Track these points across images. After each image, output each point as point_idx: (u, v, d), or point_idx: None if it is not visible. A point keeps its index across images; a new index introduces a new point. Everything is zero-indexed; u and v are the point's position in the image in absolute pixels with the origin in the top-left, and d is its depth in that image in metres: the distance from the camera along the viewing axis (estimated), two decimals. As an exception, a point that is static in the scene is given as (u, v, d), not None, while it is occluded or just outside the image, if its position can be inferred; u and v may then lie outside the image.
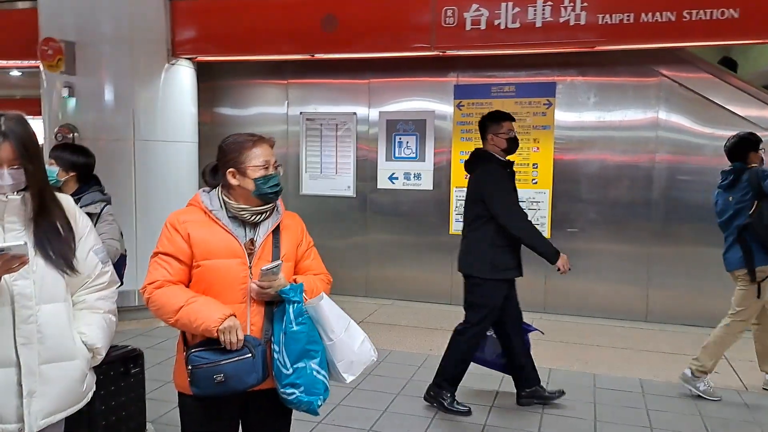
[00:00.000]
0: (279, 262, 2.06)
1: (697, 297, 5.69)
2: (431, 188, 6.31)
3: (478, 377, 4.15)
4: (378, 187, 6.47)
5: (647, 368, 4.66)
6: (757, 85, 5.68)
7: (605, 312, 5.91)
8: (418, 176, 6.33)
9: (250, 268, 2.09)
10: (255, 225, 2.15)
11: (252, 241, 2.12)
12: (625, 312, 5.87)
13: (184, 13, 5.82)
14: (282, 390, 2.05)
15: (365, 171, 6.52)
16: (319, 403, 2.08)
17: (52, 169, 3.48)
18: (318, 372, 2.06)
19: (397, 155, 6.37)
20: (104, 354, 1.95)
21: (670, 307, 5.77)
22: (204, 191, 2.21)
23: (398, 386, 4.23)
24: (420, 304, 6.35)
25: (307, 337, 2.05)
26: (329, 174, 6.63)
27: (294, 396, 2.04)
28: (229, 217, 2.13)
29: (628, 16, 4.76)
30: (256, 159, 2.11)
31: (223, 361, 1.98)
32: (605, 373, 4.56)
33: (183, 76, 6.03)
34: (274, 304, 2.10)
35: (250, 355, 2.00)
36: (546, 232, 5.94)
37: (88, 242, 1.96)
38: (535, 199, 5.95)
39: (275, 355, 2.05)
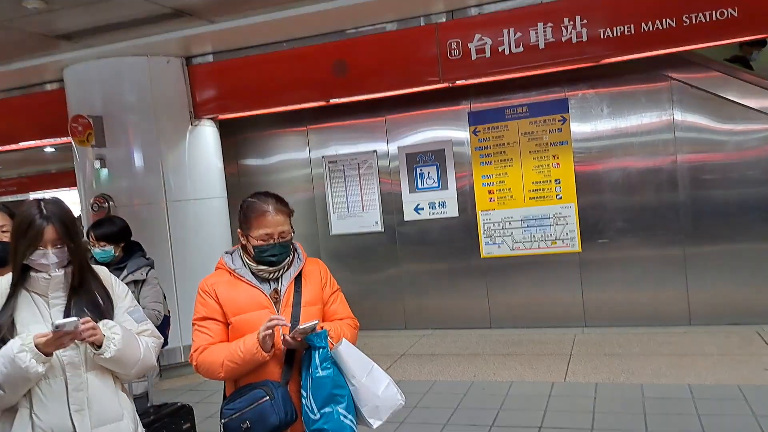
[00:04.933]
0: (315, 322, 2.12)
1: (738, 294, 5.60)
2: (457, 215, 6.38)
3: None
4: (405, 219, 6.57)
5: (695, 373, 4.59)
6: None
7: (647, 320, 5.84)
8: (443, 204, 6.42)
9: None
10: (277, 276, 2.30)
11: (276, 291, 2.27)
12: (667, 317, 5.79)
13: (202, 76, 6.08)
14: None
15: (391, 204, 6.64)
16: None
17: (107, 250, 3.72)
18: (345, 417, 2.10)
19: (420, 186, 6.49)
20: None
21: (712, 307, 5.67)
22: (227, 253, 2.38)
23: (445, 416, 4.26)
24: (459, 332, 6.35)
25: (332, 382, 2.10)
26: (356, 212, 6.77)
27: None
28: (252, 272, 2.28)
29: (629, 27, 4.83)
30: (257, 231, 2.25)
31: (245, 408, 2.10)
32: (652, 382, 4.51)
33: (207, 134, 6.28)
34: (294, 350, 2.20)
35: (267, 398, 2.10)
36: (576, 246, 5.95)
37: (124, 305, 2.14)
38: (562, 215, 5.97)
39: (303, 401, 2.13)
